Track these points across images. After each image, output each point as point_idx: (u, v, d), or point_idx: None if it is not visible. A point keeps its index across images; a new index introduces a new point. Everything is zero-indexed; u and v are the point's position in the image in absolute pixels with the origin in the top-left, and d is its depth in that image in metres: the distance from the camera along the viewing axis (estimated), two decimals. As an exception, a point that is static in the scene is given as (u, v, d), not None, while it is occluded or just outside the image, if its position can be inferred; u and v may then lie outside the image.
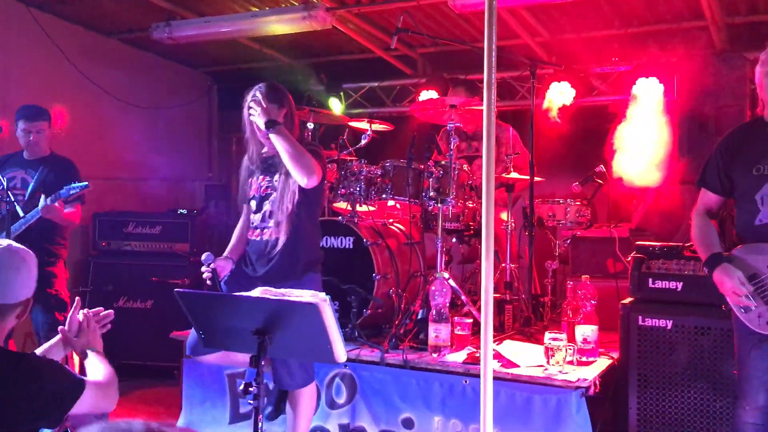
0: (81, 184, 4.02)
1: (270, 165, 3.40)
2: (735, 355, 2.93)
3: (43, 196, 4.00)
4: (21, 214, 4.03)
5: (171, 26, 5.57)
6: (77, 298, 2.49)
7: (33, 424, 1.98)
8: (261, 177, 3.41)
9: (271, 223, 3.32)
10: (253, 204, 3.42)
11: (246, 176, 3.48)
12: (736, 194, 2.95)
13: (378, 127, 4.88)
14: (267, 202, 3.36)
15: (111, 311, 2.47)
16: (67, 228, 4.35)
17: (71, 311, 2.38)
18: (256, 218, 3.40)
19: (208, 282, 3.25)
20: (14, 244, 2.08)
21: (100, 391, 2.11)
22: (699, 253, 2.99)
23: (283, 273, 3.25)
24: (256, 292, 2.37)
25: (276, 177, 3.35)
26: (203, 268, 3.25)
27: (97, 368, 2.26)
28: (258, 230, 3.37)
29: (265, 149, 3.41)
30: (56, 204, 4.01)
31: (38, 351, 2.29)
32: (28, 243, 2.19)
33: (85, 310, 2.39)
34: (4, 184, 4.02)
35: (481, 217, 4.49)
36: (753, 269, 2.78)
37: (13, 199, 4.01)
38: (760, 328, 2.75)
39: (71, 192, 4.00)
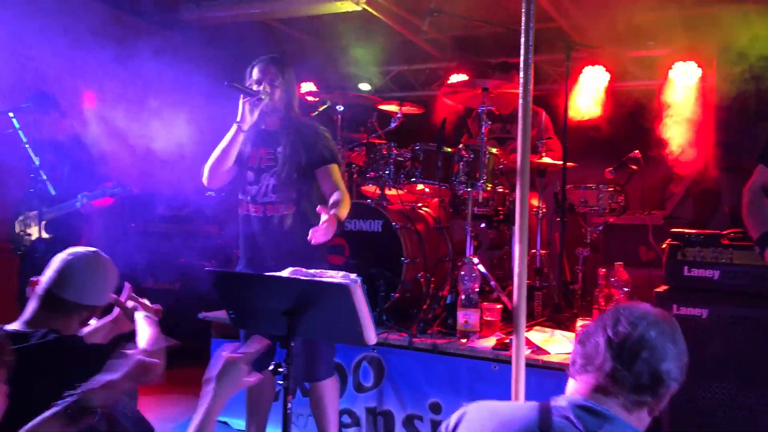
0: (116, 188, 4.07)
1: (269, 137, 3.27)
2: None
3: (80, 195, 4.05)
4: (52, 192, 4.05)
5: (201, 7, 5.55)
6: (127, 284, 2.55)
7: None
8: (260, 148, 3.26)
9: (275, 197, 3.20)
10: (250, 175, 3.28)
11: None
12: None
13: (407, 110, 4.82)
14: (267, 174, 3.22)
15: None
16: None
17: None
18: (252, 191, 3.26)
19: None
20: (102, 253, 2.27)
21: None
22: (750, 229, 2.90)
23: (294, 254, 3.08)
24: (287, 272, 2.35)
25: (278, 149, 3.22)
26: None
27: (144, 333, 2.31)
28: (259, 205, 3.23)
29: (263, 125, 3.28)
30: (93, 201, 4.05)
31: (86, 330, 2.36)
32: None
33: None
34: (36, 162, 4.05)
35: (511, 202, 4.46)
36: None
37: (45, 178, 4.04)
38: None
39: (115, 193, 4.06)
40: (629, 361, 1.54)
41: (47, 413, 1.79)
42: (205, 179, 3.29)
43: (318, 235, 2.82)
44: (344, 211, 3.07)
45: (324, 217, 2.82)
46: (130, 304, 2.48)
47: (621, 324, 1.58)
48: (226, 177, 3.30)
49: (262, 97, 3.15)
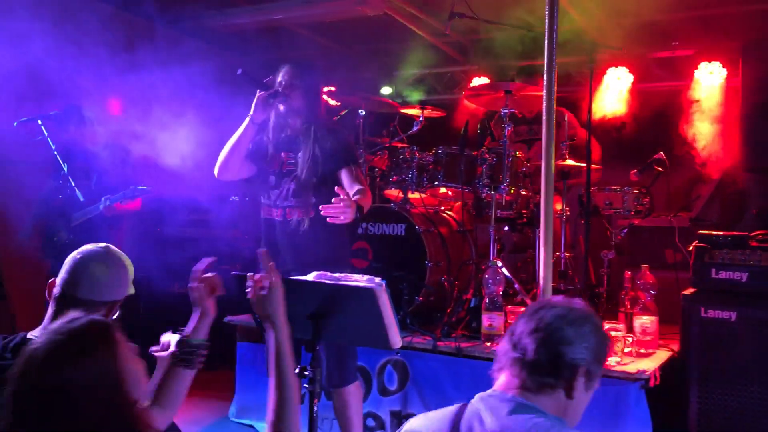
0: (143, 188, 4.10)
1: (291, 141, 3.28)
2: None
3: (103, 198, 4.10)
4: (81, 198, 4.11)
5: (224, 13, 5.60)
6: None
7: None
8: (282, 152, 3.27)
9: (295, 201, 3.19)
10: (272, 179, 3.28)
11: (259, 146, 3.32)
12: None
13: (429, 113, 4.82)
14: (288, 178, 3.23)
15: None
16: None
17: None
18: (274, 195, 3.26)
19: None
20: (113, 248, 2.21)
21: None
22: None
23: (315, 257, 3.03)
24: (312, 276, 2.36)
25: (299, 154, 3.23)
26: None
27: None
28: (280, 209, 3.23)
29: (287, 131, 3.30)
30: (115, 204, 4.09)
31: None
32: None
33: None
34: (65, 168, 4.12)
35: (534, 205, 4.43)
36: None
37: (73, 185, 4.10)
38: None
39: (135, 195, 4.10)
40: (527, 347, 1.61)
41: (160, 369, 1.87)
42: (216, 171, 3.31)
43: (330, 210, 2.80)
44: (365, 200, 3.07)
45: (341, 196, 2.81)
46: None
47: (524, 316, 1.68)
48: (237, 172, 3.31)
49: (276, 93, 3.17)
